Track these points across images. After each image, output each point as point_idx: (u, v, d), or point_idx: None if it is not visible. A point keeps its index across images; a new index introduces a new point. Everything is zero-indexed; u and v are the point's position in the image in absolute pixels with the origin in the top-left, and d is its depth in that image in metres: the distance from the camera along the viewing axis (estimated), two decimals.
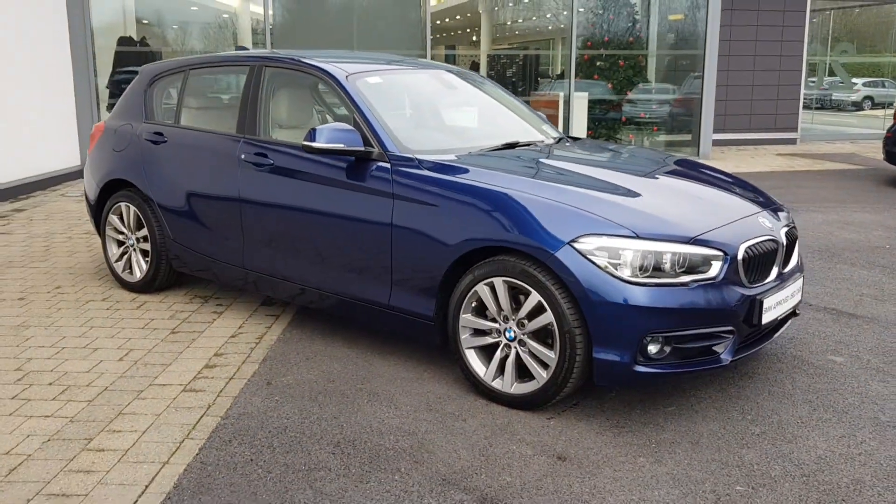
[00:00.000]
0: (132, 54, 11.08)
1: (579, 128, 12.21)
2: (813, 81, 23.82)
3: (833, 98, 26.34)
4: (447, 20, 17.99)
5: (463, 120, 4.82)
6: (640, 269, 3.15)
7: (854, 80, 26.66)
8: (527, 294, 3.31)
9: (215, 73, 5.29)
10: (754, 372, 3.88)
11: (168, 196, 4.82)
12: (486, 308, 3.47)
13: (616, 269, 3.14)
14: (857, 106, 26.18)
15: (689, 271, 3.21)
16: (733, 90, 14.29)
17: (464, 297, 3.51)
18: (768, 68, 14.48)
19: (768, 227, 3.59)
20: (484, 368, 3.52)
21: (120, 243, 5.21)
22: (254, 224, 4.36)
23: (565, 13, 12.64)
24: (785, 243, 3.65)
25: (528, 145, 4.40)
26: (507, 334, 3.43)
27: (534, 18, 16.39)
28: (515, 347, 3.42)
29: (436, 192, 3.61)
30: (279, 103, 4.62)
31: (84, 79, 10.23)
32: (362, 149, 3.85)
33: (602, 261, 3.15)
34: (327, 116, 5.15)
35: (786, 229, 3.73)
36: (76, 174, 9.92)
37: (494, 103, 4.99)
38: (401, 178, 3.73)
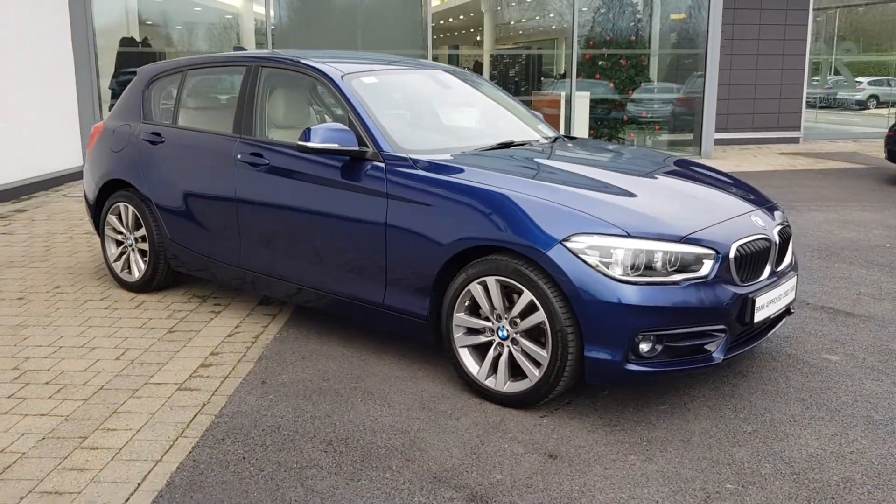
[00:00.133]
0: (134, 55, 11.12)
1: (581, 127, 12.21)
2: (816, 80, 23.73)
3: (838, 97, 26.24)
4: (451, 20, 17.99)
5: (458, 119, 4.83)
6: (632, 268, 3.16)
7: (859, 78, 26.54)
8: (519, 293, 3.32)
9: (213, 74, 5.31)
10: (748, 370, 3.89)
11: (166, 196, 4.84)
12: (480, 307, 3.48)
13: (607, 268, 3.15)
14: (862, 105, 26.07)
15: (680, 270, 3.22)
16: (736, 89, 14.28)
17: (457, 296, 3.52)
18: (771, 67, 14.46)
19: (761, 225, 3.59)
20: (477, 367, 3.54)
21: (118, 243, 5.24)
22: (250, 224, 4.38)
23: (567, 13, 12.64)
24: (778, 242, 3.66)
25: (522, 145, 4.41)
26: (500, 333, 3.44)
27: (537, 18, 16.39)
28: (508, 346, 3.43)
29: (429, 191, 3.62)
30: (275, 103, 4.64)
31: (86, 79, 10.27)
32: (357, 148, 3.87)
33: (593, 260, 3.16)
34: (326, 116, 5.16)
35: (779, 228, 3.74)
36: (79, 174, 9.96)
37: (490, 103, 5.00)
38: (395, 177, 3.75)
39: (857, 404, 3.52)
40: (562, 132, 12.03)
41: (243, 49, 5.73)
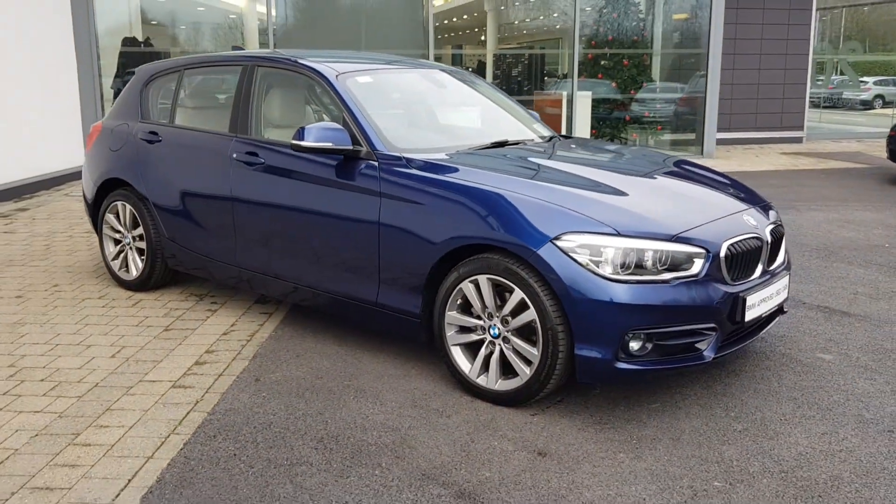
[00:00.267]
0: (136, 55, 11.16)
1: (583, 127, 12.20)
2: (821, 80, 23.67)
3: (843, 97, 26.17)
4: (454, 20, 18.00)
5: (453, 119, 4.84)
6: (622, 267, 3.17)
7: (865, 78, 26.48)
8: (511, 291, 3.33)
9: (210, 73, 5.33)
10: (741, 369, 3.89)
11: (163, 195, 4.86)
12: (472, 305, 3.49)
13: (598, 267, 3.16)
14: (868, 105, 25.98)
15: (671, 268, 3.22)
16: (739, 89, 14.26)
17: (449, 294, 3.53)
18: (774, 67, 14.43)
19: (753, 224, 3.59)
20: (469, 365, 3.55)
21: (116, 242, 5.27)
22: (246, 222, 4.40)
23: (569, 12, 12.64)
24: (770, 241, 3.66)
25: (517, 144, 4.42)
26: (492, 331, 3.45)
27: (540, 18, 16.39)
28: (500, 344, 3.44)
29: (422, 190, 3.63)
30: (271, 103, 4.66)
31: (88, 79, 10.32)
32: (350, 147, 3.88)
33: (584, 258, 3.17)
34: (324, 116, 5.17)
35: (772, 227, 3.74)
36: (80, 174, 9.98)
37: (486, 102, 5.01)
38: (388, 176, 3.76)
39: (849, 403, 3.52)
40: (564, 132, 12.05)
41: (241, 49, 5.75)
